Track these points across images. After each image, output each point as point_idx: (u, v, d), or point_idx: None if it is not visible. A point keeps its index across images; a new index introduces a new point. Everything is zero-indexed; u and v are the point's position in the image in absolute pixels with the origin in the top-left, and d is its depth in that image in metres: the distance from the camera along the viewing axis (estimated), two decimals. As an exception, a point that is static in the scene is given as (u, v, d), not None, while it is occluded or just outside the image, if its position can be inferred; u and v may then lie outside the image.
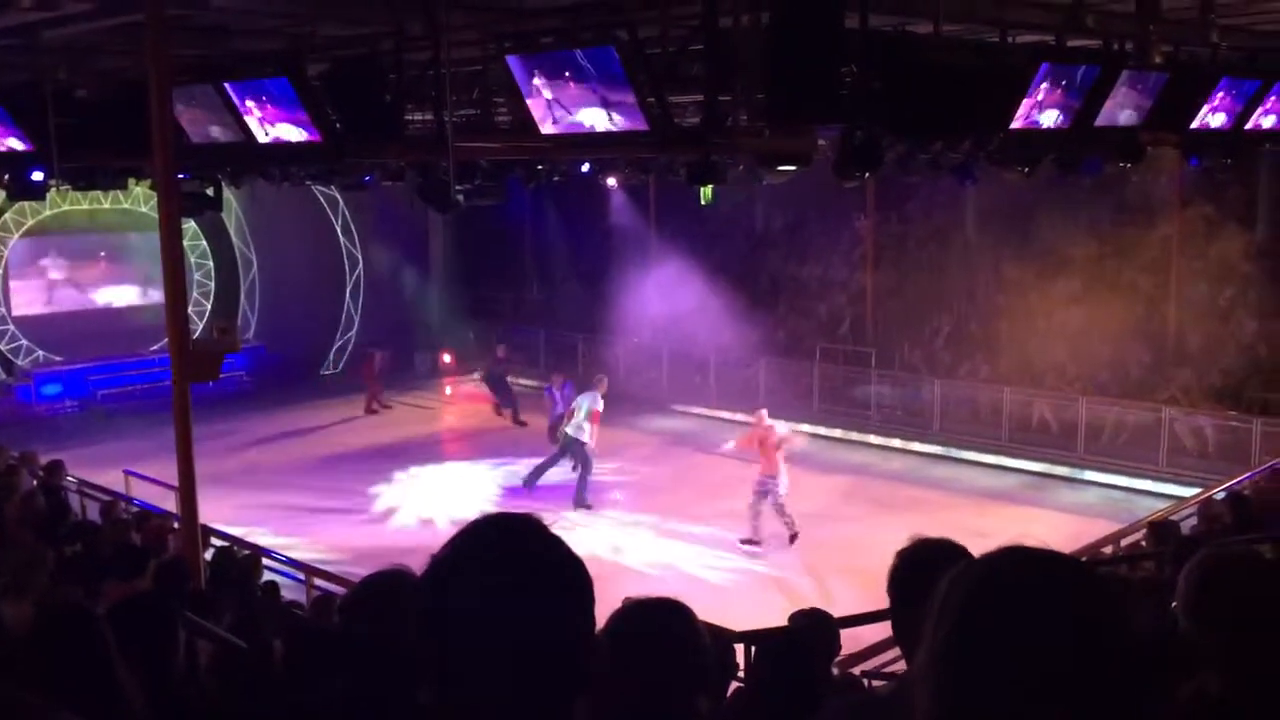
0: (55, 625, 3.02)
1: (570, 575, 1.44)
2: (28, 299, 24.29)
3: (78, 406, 23.24)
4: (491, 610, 1.37)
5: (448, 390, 25.32)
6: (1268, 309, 18.48)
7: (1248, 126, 11.50)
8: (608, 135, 8.07)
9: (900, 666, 7.16)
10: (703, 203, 25.12)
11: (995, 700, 1.30)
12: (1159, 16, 8.90)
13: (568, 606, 1.41)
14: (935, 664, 1.34)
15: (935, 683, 1.34)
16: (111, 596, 6.12)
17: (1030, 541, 1.43)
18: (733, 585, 13.39)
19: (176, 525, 10.02)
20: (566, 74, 7.86)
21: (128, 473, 15.15)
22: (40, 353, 24.04)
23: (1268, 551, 7.27)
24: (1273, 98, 11.57)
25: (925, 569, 2.18)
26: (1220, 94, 10.77)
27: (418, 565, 2.07)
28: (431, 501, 16.89)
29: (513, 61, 8.21)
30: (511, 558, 1.41)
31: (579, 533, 14.36)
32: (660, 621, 2.25)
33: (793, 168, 8.99)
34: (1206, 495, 12.48)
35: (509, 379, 22.67)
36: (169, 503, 12.09)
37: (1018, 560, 1.38)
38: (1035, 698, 1.28)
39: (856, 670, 7.28)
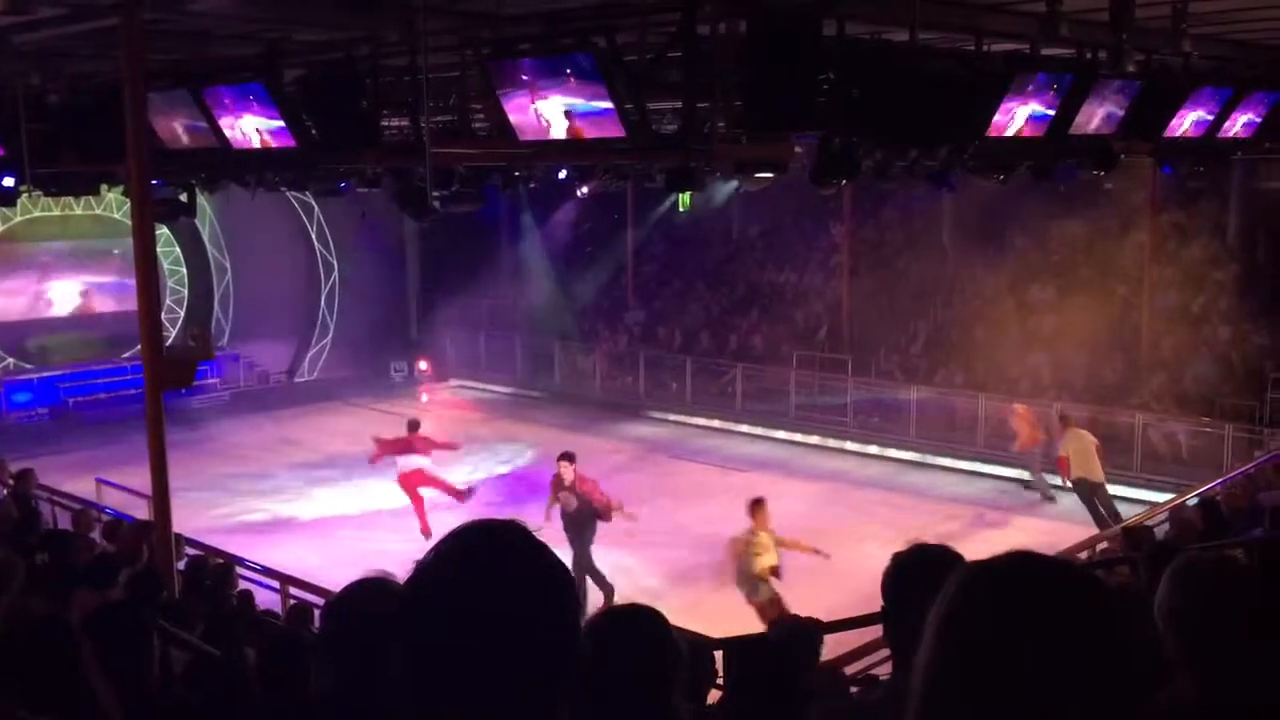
0: (27, 634, 2.98)
1: (555, 582, 1.43)
2: (-1, 305, 24.08)
3: (49, 414, 23.03)
4: (476, 617, 1.36)
5: (424, 398, 25.23)
6: (1239, 316, 18.65)
7: (1220, 135, 11.62)
8: (586, 141, 8.06)
9: (881, 671, 7.17)
10: (680, 209, 25.21)
11: (989, 704, 1.30)
12: (1132, 25, 8.96)
13: (552, 614, 1.41)
14: (929, 661, 1.35)
15: (929, 681, 1.34)
16: (83, 606, 6.05)
17: (1036, 548, 1.44)
18: (711, 592, 13.37)
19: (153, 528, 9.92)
20: (544, 81, 7.85)
21: (100, 481, 15.02)
22: (10, 360, 23.80)
23: (1241, 556, 7.33)
24: (1244, 106, 11.70)
25: (919, 574, 2.19)
26: (1193, 102, 10.88)
27: (394, 573, 2.06)
28: (409, 509, 16.78)
29: (491, 68, 8.20)
30: (496, 565, 1.41)
31: (557, 541, 14.31)
32: (632, 626, 2.27)
33: (770, 175, 9.02)
34: (1179, 501, 12.58)
35: None
36: (142, 511, 11.99)
37: (1019, 564, 1.38)
38: (1030, 702, 1.28)
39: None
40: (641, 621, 2.32)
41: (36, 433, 21.46)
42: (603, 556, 14.45)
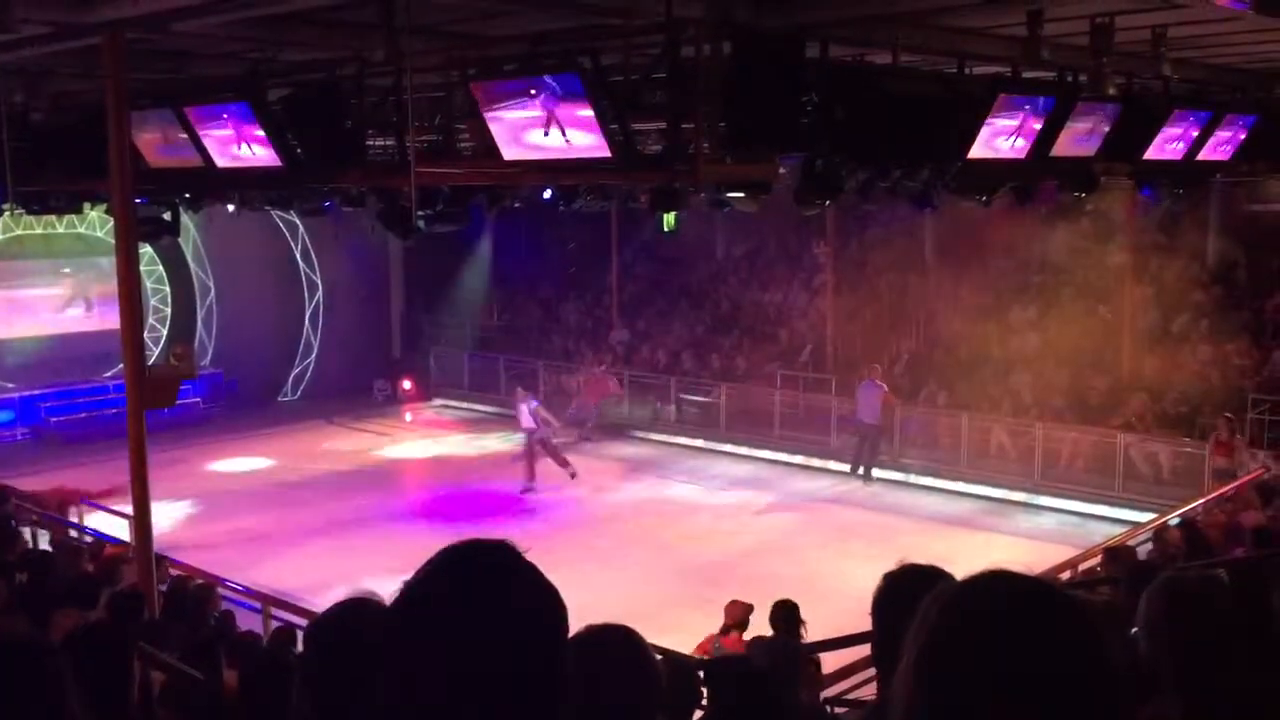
0: (4, 657, 2.95)
1: (543, 602, 1.43)
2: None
3: (30, 433, 22.87)
4: (464, 637, 1.36)
5: (408, 416, 25.18)
6: (1220, 336, 18.78)
7: (1199, 157, 11.73)
8: (571, 161, 8.09)
9: (864, 692, 7.17)
10: (665, 229, 25.25)
11: None
12: (1112, 49, 9.05)
13: (541, 633, 1.40)
14: (909, 683, 1.35)
15: (908, 703, 1.34)
16: (63, 627, 6.00)
17: (1015, 566, 1.43)
18: (696, 613, 13.34)
19: (131, 555, 9.86)
20: (529, 101, 7.88)
21: (82, 501, 14.93)
22: (-9, 379, 23.66)
23: (1223, 576, 7.35)
24: (1223, 129, 11.82)
25: (907, 593, 2.19)
26: (1172, 125, 10.98)
27: (379, 594, 2.05)
28: (393, 529, 16.73)
29: (475, 88, 8.22)
30: (485, 584, 1.40)
31: (542, 560, 14.28)
32: (608, 646, 2.24)
33: (750, 195, 9.06)
34: (1161, 521, 12.62)
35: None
36: (124, 531, 11.91)
37: (996, 583, 1.38)
38: None
39: (820, 696, 7.27)
40: (616, 643, 2.29)
41: (17, 452, 21.30)
42: (587, 574, 14.42)
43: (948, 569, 2.24)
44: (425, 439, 23.49)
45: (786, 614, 8.09)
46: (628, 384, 23.51)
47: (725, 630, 8.98)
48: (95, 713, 3.13)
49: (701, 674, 5.25)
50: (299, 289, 26.38)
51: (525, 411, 18.39)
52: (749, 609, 9.02)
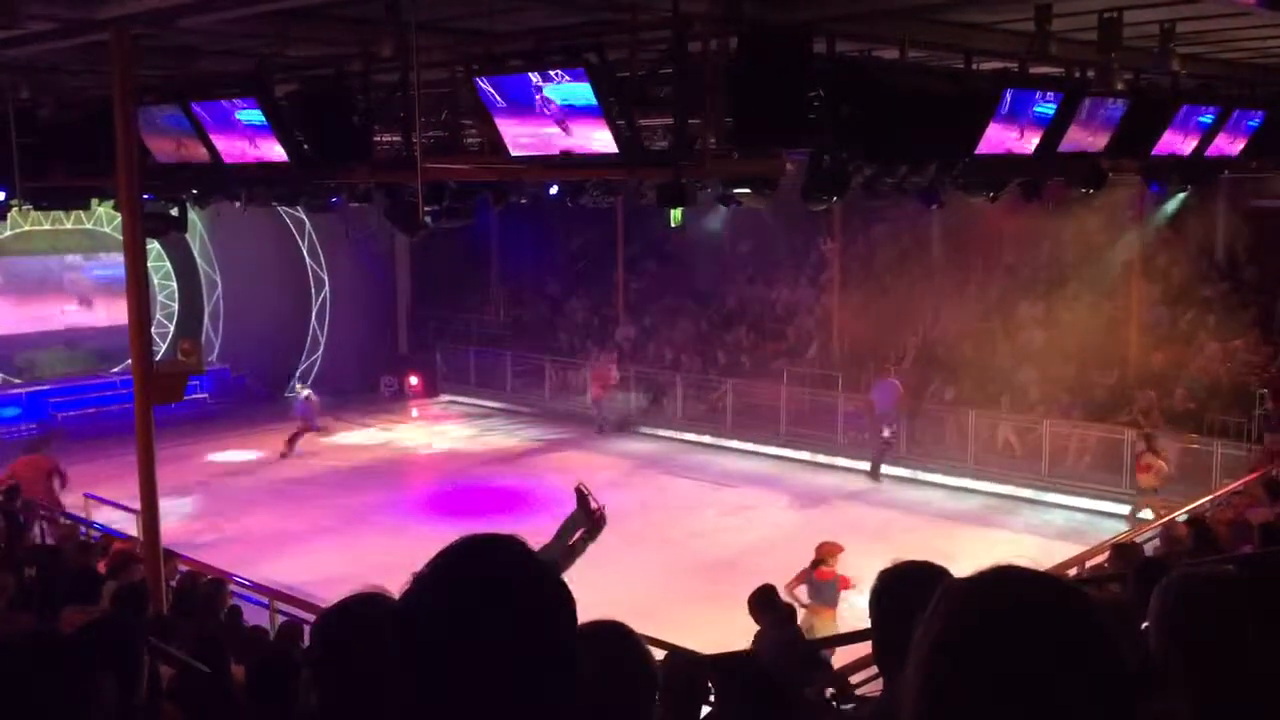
0: (18, 653, 2.95)
1: (551, 597, 1.43)
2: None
3: (38, 429, 22.90)
4: (472, 631, 1.36)
5: (415, 412, 25.21)
6: (1228, 332, 18.72)
7: (1207, 153, 11.69)
8: (578, 157, 8.08)
9: (871, 688, 7.17)
10: (671, 225, 25.23)
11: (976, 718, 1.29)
12: (1120, 45, 9.02)
13: (549, 627, 1.40)
14: (918, 680, 1.34)
15: (918, 700, 1.33)
16: (70, 622, 6.02)
17: (1023, 562, 1.43)
18: (704, 609, 13.35)
19: (139, 550, 9.89)
20: (535, 97, 7.87)
21: (88, 496, 14.96)
22: (-1, 374, 23.74)
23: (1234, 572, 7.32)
24: (1231, 125, 11.78)
25: (905, 590, 2.19)
26: (1180, 121, 10.95)
27: (387, 588, 2.05)
28: (400, 524, 16.76)
29: (482, 83, 8.21)
30: (493, 578, 1.40)
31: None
32: (599, 643, 2.23)
33: (762, 191, 9.05)
34: (1169, 517, 12.59)
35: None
36: (131, 526, 11.94)
37: (1004, 579, 1.37)
38: (1019, 717, 1.28)
39: (826, 692, 7.26)
40: (608, 637, 2.25)
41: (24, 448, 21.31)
42: (594, 570, 14.42)
43: (955, 566, 2.23)
44: (432, 435, 23.52)
45: (765, 599, 8.33)
46: (633, 380, 23.52)
47: (815, 564, 10.96)
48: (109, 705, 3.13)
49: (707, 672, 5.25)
50: (306, 285, 26.40)
51: (311, 401, 21.52)
52: (840, 549, 11.01)
